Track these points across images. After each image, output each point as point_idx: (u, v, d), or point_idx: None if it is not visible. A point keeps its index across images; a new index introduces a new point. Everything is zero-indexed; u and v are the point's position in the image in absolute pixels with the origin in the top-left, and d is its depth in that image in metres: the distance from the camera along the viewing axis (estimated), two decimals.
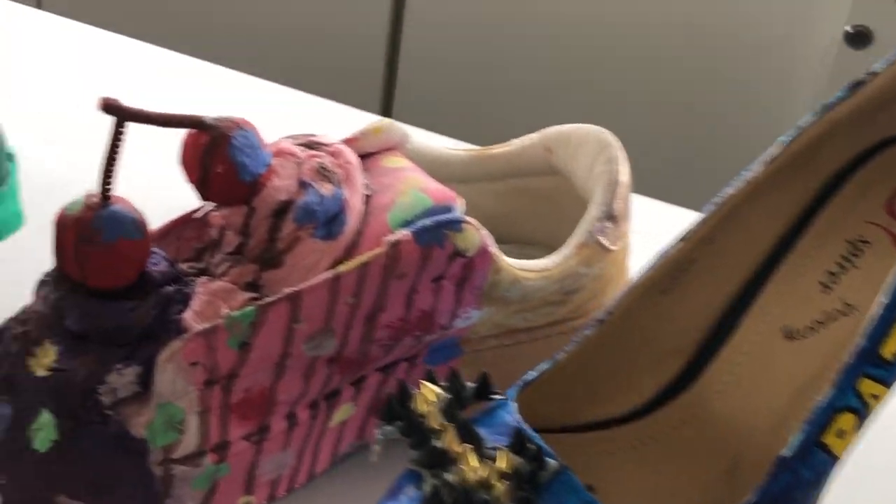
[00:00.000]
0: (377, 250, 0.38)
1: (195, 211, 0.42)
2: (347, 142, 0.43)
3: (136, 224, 0.37)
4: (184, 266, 0.40)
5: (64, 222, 0.37)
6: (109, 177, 0.37)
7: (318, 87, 0.81)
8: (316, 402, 0.41)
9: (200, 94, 0.67)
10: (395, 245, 0.38)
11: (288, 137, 0.42)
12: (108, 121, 0.36)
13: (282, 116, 0.65)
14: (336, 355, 0.40)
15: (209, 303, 0.38)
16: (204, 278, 0.39)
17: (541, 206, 0.49)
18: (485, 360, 0.44)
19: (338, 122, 0.65)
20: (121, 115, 0.35)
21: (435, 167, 0.47)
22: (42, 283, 0.39)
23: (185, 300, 0.39)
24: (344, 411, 0.42)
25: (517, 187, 0.49)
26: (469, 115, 1.42)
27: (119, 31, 0.72)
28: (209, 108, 0.67)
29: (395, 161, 0.43)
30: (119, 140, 0.36)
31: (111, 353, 0.37)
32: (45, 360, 0.37)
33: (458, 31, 1.41)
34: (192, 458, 0.38)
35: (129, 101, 0.36)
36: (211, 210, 0.41)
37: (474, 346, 0.43)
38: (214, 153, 0.37)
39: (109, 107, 0.35)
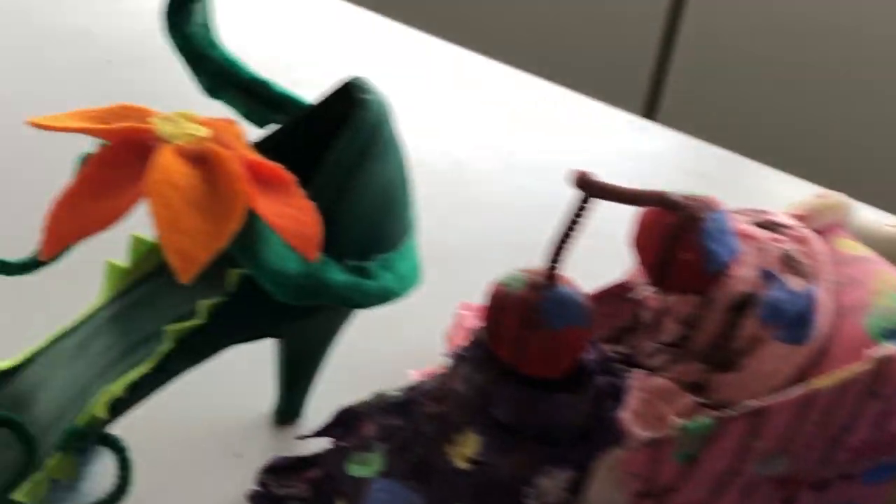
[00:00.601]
0: (860, 366, 0.33)
1: (620, 286, 0.37)
2: (796, 218, 0.37)
3: (583, 310, 0.33)
4: (606, 349, 0.36)
5: (503, 301, 0.33)
6: (560, 254, 0.32)
7: (578, 81, 0.77)
8: None
9: (457, 85, 0.64)
10: (884, 362, 0.32)
11: (738, 212, 0.36)
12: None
13: (543, 113, 0.62)
14: (784, 475, 0.34)
15: (648, 403, 0.34)
16: (638, 371, 0.35)
17: None
18: None
19: (599, 121, 0.63)
20: (591, 191, 0.31)
21: (881, 247, 0.40)
22: (461, 360, 0.35)
23: (618, 395, 0.34)
24: None
25: None
26: (739, 123, 1.33)
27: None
28: (469, 101, 0.64)
29: (851, 246, 0.37)
30: (581, 216, 0.32)
31: (542, 451, 0.33)
32: (466, 450, 0.33)
33: (739, 35, 1.32)
34: None
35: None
36: (647, 290, 0.36)
37: None
38: (682, 237, 0.32)
39: (582, 182, 0.31)
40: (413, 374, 0.44)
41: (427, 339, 0.47)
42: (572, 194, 0.28)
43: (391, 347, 0.47)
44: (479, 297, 0.47)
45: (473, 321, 0.46)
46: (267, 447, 0.43)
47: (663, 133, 0.67)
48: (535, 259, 0.53)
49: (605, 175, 0.61)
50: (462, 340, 0.45)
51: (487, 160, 0.61)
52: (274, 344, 0.42)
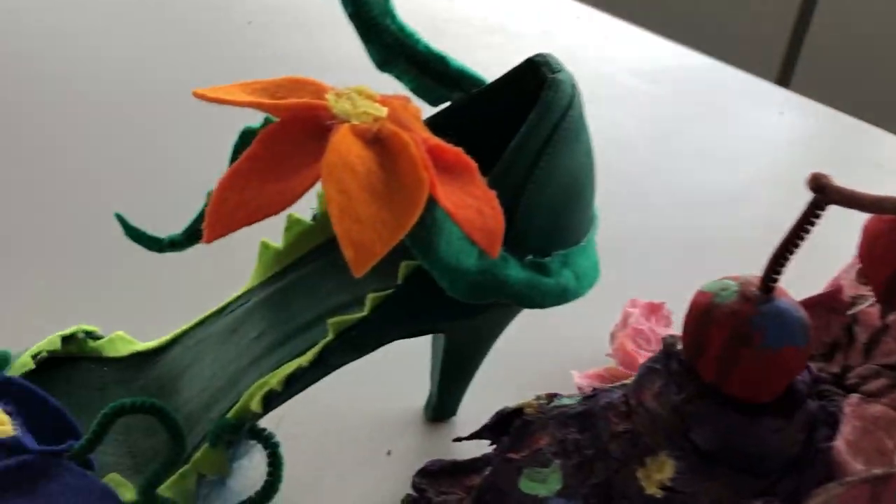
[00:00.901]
0: None
1: (830, 296, 0.33)
2: None
3: (803, 327, 0.29)
4: (814, 368, 0.32)
5: (709, 311, 0.29)
6: (781, 265, 0.28)
7: (713, 47, 0.74)
8: None
9: (607, 59, 0.59)
10: None
11: None
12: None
13: (701, 91, 0.57)
14: None
15: (865, 432, 0.30)
16: (853, 397, 0.31)
17: None
18: None
19: (757, 99, 0.59)
20: (827, 196, 0.27)
21: None
22: (651, 373, 0.31)
23: (832, 422, 0.30)
24: None
25: None
26: (872, 96, 1.26)
27: None
28: (623, 78, 0.61)
29: None
30: (810, 223, 0.28)
31: (746, 482, 0.29)
32: (658, 475, 0.30)
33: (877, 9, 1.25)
34: None
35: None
36: (863, 304, 0.32)
37: None
38: None
39: (818, 185, 0.27)
40: (576, 376, 0.41)
41: (590, 338, 0.44)
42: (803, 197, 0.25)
43: (551, 345, 0.44)
44: (646, 293, 0.44)
45: (641, 320, 0.43)
46: (418, 446, 0.40)
47: (826, 112, 0.62)
48: (705, 254, 0.49)
49: (770, 161, 0.57)
50: (629, 341, 0.42)
51: (651, 143, 0.57)
52: (432, 337, 0.39)
